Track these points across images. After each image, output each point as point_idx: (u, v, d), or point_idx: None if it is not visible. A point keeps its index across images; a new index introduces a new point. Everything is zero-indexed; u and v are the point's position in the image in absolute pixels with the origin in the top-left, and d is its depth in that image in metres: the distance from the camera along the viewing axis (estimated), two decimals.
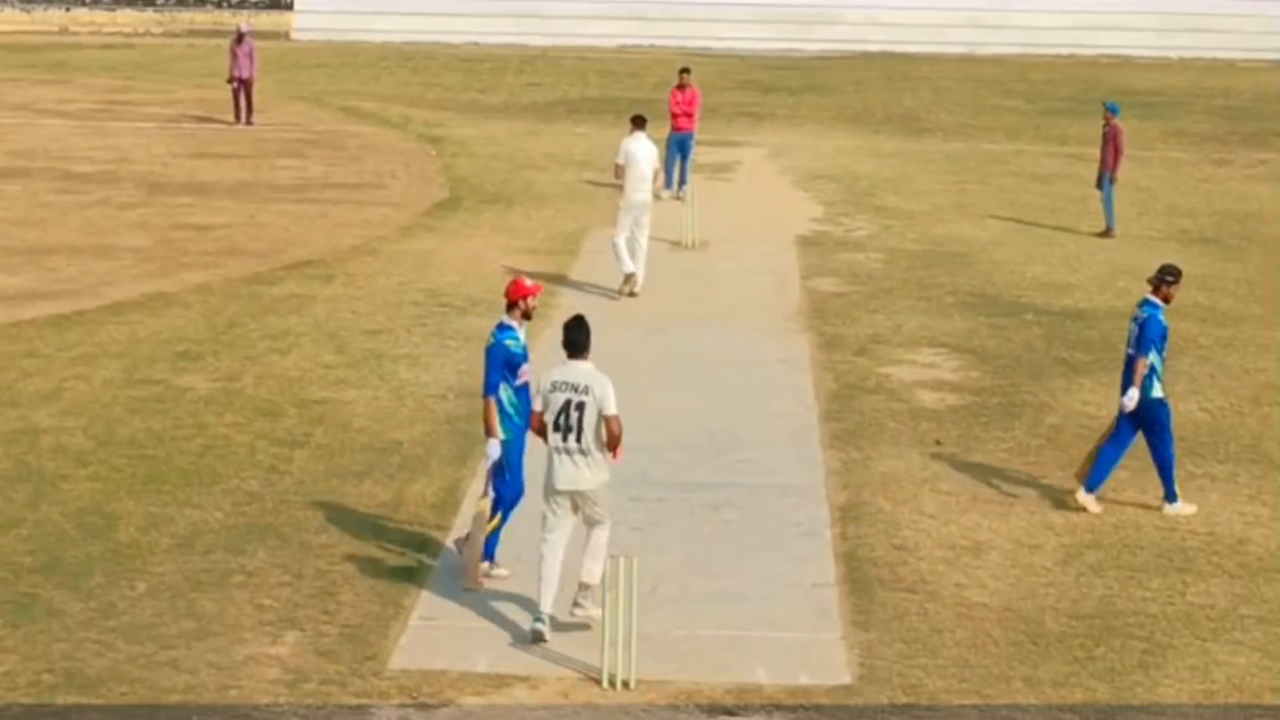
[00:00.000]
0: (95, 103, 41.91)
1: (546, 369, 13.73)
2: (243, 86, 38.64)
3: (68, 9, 59.28)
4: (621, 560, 12.78)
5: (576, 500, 13.42)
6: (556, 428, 13.31)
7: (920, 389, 20.14)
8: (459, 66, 50.35)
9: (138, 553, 14.88)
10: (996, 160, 36.28)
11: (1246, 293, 25.26)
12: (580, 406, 13.26)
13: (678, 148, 31.35)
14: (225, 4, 59.94)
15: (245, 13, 59.31)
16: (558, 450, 13.33)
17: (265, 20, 58.81)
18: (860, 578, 14.72)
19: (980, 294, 24.65)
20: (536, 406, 13.52)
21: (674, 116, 31.42)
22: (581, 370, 13.43)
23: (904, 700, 12.65)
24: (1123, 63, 54.42)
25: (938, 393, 20.04)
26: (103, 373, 20.01)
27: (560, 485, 13.36)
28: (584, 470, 13.33)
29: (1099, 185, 29.67)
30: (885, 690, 12.78)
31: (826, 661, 13.22)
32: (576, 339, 13.50)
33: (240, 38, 39.02)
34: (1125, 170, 30.03)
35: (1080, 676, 13.07)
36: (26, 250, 26.32)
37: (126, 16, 57.49)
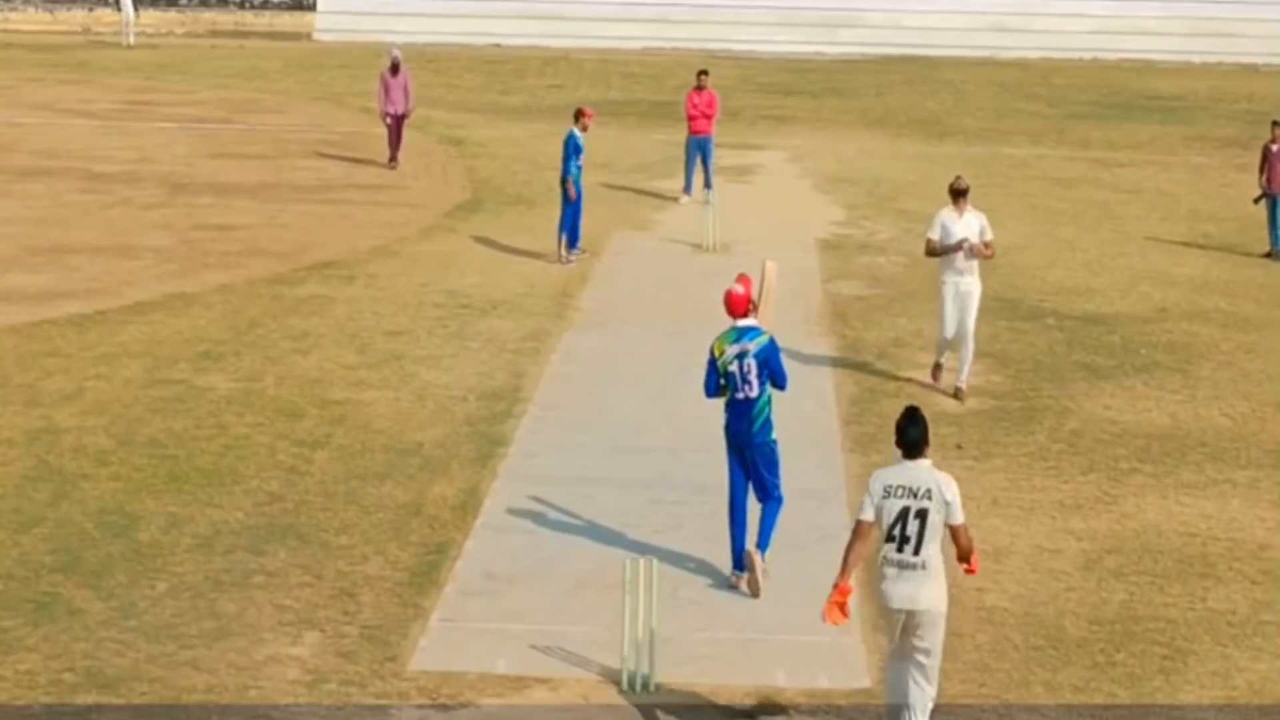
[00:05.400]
0: (118, 103, 42.01)
1: (878, 472, 12.07)
2: (396, 122, 34.17)
3: (91, 9, 59.43)
4: (641, 562, 12.77)
5: (909, 623, 11.72)
6: (891, 538, 11.58)
7: (941, 393, 20.11)
8: (480, 68, 50.42)
9: (158, 552, 14.91)
10: (1018, 164, 36.23)
11: (1269, 298, 25.20)
12: (921, 514, 11.54)
13: (696, 150, 31.37)
14: (248, 5, 60.04)
15: (268, 14, 59.46)
16: (890, 564, 11.65)
17: (287, 21, 59.00)
18: None
19: (1002, 298, 24.60)
20: (867, 516, 11.68)
21: (691, 119, 31.41)
22: (922, 473, 11.70)
23: None
24: (1145, 67, 54.38)
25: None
26: (124, 372, 20.05)
27: (894, 604, 11.66)
28: (922, 588, 11.61)
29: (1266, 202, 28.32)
30: None
31: (846, 664, 13.21)
32: (914, 437, 11.78)
33: (395, 67, 34.16)
34: (1149, 175, 29.96)
35: (1101, 682, 13.05)
36: (49, 250, 26.38)
37: (149, 17, 57.60)
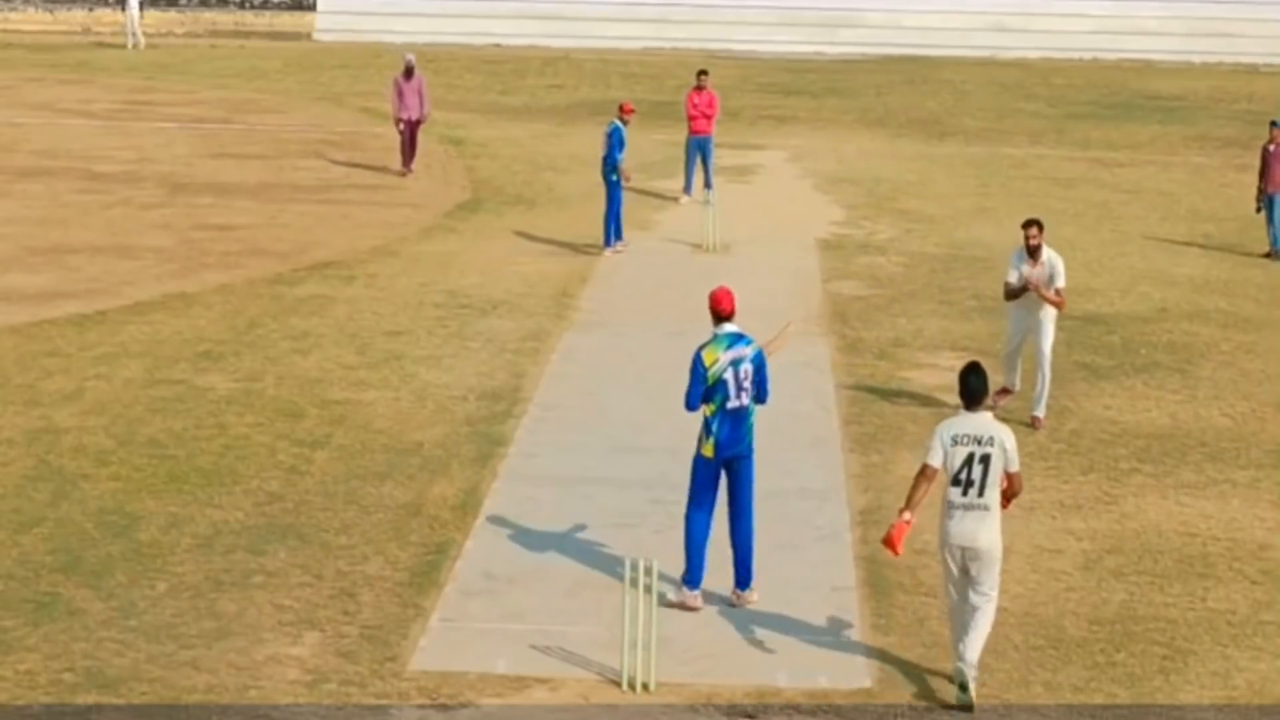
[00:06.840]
0: (118, 103, 42.01)
1: (944, 422, 13.01)
2: (410, 129, 33.45)
3: (91, 9, 59.43)
4: (641, 562, 12.77)
5: (968, 558, 12.67)
6: (957, 482, 12.59)
7: (941, 393, 20.09)
8: (481, 68, 50.42)
9: (158, 552, 14.91)
10: (1018, 164, 36.23)
11: (1269, 298, 25.20)
12: (985, 460, 12.60)
13: (696, 150, 31.41)
14: (248, 5, 60.03)
15: (268, 14, 59.47)
16: (955, 506, 12.63)
17: (287, 21, 59.01)
18: (880, 581, 14.71)
19: (1002, 298, 24.56)
20: (934, 461, 12.69)
21: (691, 119, 31.48)
22: (984, 422, 12.78)
23: (923, 704, 12.63)
24: (1145, 67, 54.39)
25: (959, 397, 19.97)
26: (124, 372, 20.04)
27: (956, 540, 12.62)
28: (982, 526, 12.61)
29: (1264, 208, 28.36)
30: (904, 694, 12.76)
31: (846, 664, 13.20)
32: (976, 386, 12.84)
33: (409, 71, 33.51)
34: (1149, 175, 29.95)
35: (1100, 682, 13.05)
36: (49, 249, 26.38)
37: (149, 17, 57.59)
